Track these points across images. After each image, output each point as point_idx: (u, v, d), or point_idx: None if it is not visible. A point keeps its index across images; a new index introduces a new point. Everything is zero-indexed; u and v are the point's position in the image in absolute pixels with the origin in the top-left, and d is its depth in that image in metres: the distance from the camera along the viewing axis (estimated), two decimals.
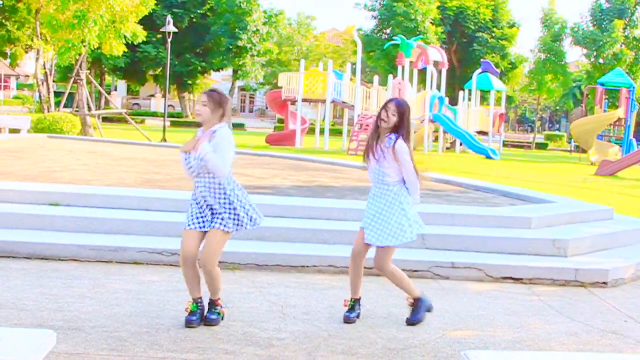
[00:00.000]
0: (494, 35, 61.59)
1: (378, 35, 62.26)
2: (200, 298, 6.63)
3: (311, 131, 41.34)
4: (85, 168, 14.06)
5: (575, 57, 77.80)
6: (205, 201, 6.47)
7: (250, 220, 6.55)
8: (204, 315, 6.61)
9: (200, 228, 6.49)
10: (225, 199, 6.44)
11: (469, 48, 61.78)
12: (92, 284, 7.69)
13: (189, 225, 6.50)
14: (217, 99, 6.43)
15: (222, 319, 6.67)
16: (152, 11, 35.13)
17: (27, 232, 9.19)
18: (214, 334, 6.29)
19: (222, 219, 6.44)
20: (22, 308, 6.70)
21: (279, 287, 8.00)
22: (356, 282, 6.99)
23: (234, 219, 6.47)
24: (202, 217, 6.50)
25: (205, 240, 6.49)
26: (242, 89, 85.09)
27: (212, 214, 6.49)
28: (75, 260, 8.64)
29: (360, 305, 7.06)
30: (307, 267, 8.80)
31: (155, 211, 10.10)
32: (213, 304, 6.63)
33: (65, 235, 9.12)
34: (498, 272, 8.93)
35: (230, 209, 6.46)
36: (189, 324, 6.48)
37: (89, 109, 33.66)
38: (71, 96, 40.35)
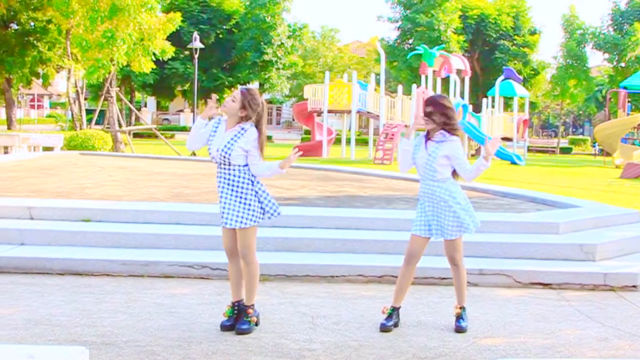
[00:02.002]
0: (515, 42, 61.46)
1: (400, 45, 62.30)
2: (239, 301, 6.79)
3: (337, 141, 41.39)
4: (117, 183, 14.20)
5: (597, 61, 77.39)
6: (219, 193, 6.65)
7: (274, 208, 6.75)
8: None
9: (226, 225, 6.69)
10: (239, 193, 6.61)
11: (491, 55, 61.69)
12: (124, 298, 7.78)
13: (221, 223, 6.75)
14: (243, 101, 6.55)
15: (256, 325, 6.78)
16: (178, 28, 35.47)
17: (60, 248, 9.32)
18: (245, 345, 6.31)
19: (239, 215, 6.61)
20: (55, 324, 6.79)
21: (309, 297, 8.04)
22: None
23: (249, 212, 6.64)
24: (224, 212, 6.66)
25: (237, 233, 6.68)
26: (269, 102, 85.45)
27: (230, 207, 6.61)
28: (107, 275, 8.73)
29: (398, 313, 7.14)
30: (336, 276, 8.84)
31: (185, 225, 10.20)
32: (245, 311, 6.71)
33: (97, 251, 9.24)
34: (527, 278, 8.93)
35: (244, 202, 6.62)
36: (222, 327, 6.70)
37: (120, 125, 33.95)
38: (102, 113, 40.79)
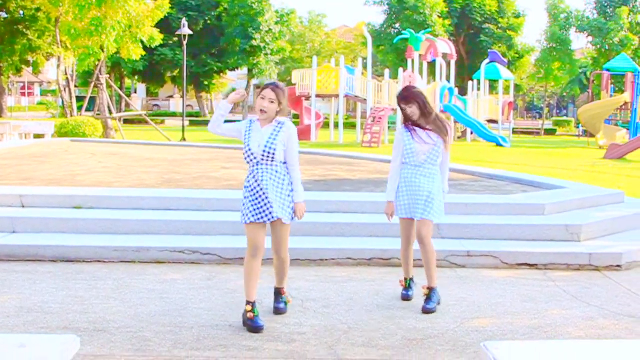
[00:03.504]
0: (500, 25, 61.53)
1: (387, 29, 62.27)
2: (255, 302, 6.62)
3: (325, 125, 41.46)
4: (108, 170, 14.22)
5: (581, 44, 77.46)
6: (263, 189, 6.53)
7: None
8: None
9: (261, 219, 6.56)
10: (285, 188, 6.61)
11: (476, 39, 61.72)
12: (116, 284, 7.84)
13: (251, 218, 6.55)
14: (279, 97, 6.56)
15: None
16: (167, 15, 35.48)
17: (52, 235, 9.37)
18: (236, 330, 6.38)
19: (286, 209, 6.61)
20: (48, 311, 6.83)
21: (299, 281, 8.11)
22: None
23: (292, 208, 6.69)
24: (261, 207, 6.55)
25: (274, 230, 6.68)
26: (257, 87, 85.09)
27: (272, 203, 6.53)
28: (99, 261, 8.79)
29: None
30: (326, 260, 8.93)
31: (176, 210, 10.26)
32: (279, 292, 6.94)
33: (89, 237, 9.29)
34: (513, 259, 9.04)
35: (289, 197, 6.64)
36: (259, 329, 6.42)
37: (110, 112, 33.92)
38: (92, 100, 40.73)
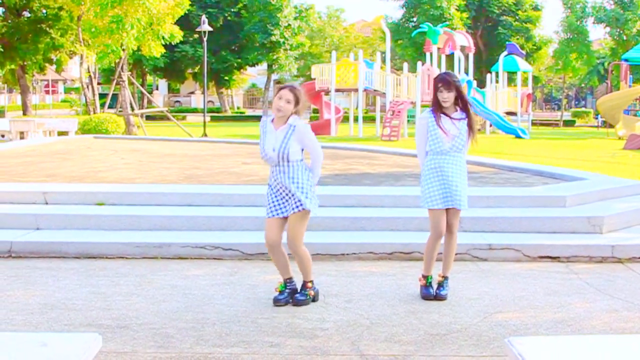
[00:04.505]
0: (517, 17, 61.33)
1: (405, 23, 62.16)
2: (290, 278, 7.14)
3: (345, 119, 41.41)
4: (129, 166, 14.29)
5: (598, 34, 76.95)
6: (283, 187, 6.85)
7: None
8: (293, 295, 7.05)
9: (280, 214, 6.91)
10: (301, 182, 6.85)
11: (494, 31, 61.54)
12: (139, 280, 7.87)
13: (269, 214, 6.95)
14: (296, 98, 6.84)
15: (313, 300, 7.09)
16: (187, 12, 35.63)
17: (75, 232, 9.43)
18: (259, 326, 6.38)
19: (301, 201, 6.82)
20: (71, 308, 6.87)
21: (320, 275, 8.06)
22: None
23: (311, 199, 6.89)
24: (280, 204, 6.91)
25: (288, 224, 6.91)
26: (277, 82, 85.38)
27: (290, 198, 6.85)
28: (121, 257, 8.83)
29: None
30: (347, 254, 8.92)
31: (197, 206, 10.29)
32: (304, 286, 7.07)
33: (112, 234, 9.34)
34: (535, 252, 8.99)
35: (306, 190, 6.85)
36: (275, 302, 7.01)
37: (132, 108, 34.10)
38: (115, 97, 41.00)
